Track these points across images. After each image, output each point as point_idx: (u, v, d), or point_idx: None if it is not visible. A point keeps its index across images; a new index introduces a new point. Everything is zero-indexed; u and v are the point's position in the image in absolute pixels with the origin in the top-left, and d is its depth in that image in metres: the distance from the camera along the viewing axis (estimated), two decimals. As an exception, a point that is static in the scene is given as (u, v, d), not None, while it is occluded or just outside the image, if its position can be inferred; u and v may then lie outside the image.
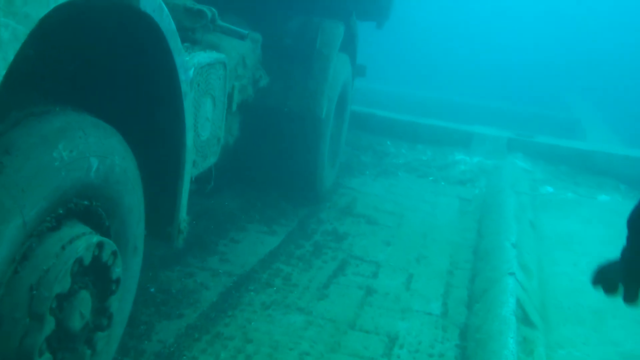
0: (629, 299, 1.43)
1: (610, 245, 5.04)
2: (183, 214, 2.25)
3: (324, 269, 3.96)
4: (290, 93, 4.40)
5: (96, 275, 1.72)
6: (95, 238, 1.66)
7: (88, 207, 1.72)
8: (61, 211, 1.58)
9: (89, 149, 1.65)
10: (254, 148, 4.58)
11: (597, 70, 14.51)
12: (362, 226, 4.91)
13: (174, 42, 2.06)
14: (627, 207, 6.11)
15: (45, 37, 1.53)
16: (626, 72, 14.24)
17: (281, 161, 4.76)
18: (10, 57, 1.18)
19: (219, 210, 4.50)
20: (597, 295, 3.83)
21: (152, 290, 3.00)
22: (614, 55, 15.28)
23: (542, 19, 17.34)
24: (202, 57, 2.60)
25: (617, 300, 1.52)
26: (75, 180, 1.60)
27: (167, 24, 1.98)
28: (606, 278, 1.50)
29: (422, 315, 3.45)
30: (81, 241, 1.59)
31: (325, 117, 4.60)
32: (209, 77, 2.64)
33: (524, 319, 3.24)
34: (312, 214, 4.95)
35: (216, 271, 3.56)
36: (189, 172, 2.27)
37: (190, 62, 2.43)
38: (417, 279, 4.04)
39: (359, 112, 7.36)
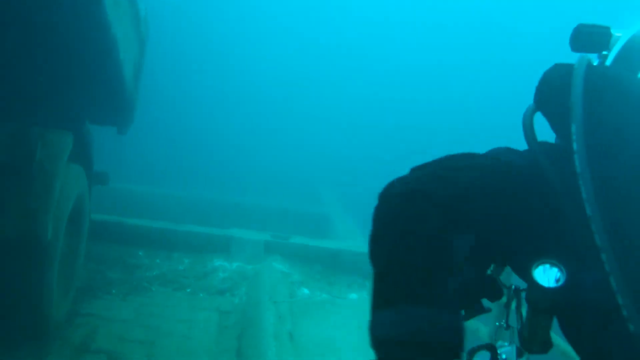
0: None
1: (362, 350, 5.17)
2: None
3: None
4: (6, 215, 3.60)
5: None
6: None
7: None
8: None
9: None
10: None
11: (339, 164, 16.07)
12: (102, 366, 4.15)
13: None
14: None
15: None
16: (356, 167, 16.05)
17: (-7, 295, 3.82)
18: None
19: None
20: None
21: None
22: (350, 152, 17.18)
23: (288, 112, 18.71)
24: None
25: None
26: None
27: None
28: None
29: None
30: None
31: (52, 239, 3.87)
32: None
33: None
34: (36, 358, 4.02)
35: None
36: None
37: None
38: None
39: (106, 222, 6.61)
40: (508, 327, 1.32)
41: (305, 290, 6.53)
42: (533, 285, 1.13)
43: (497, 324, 1.35)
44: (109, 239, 6.56)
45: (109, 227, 6.61)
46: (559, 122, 1.24)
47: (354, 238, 8.87)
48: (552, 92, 1.28)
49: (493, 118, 16.98)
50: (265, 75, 19.05)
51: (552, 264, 1.13)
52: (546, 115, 1.31)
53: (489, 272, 1.35)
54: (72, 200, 4.24)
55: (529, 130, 1.28)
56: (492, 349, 1.26)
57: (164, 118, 14.32)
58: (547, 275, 1.12)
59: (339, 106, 18.88)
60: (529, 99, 1.37)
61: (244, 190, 12.12)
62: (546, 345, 1.23)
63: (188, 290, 6.14)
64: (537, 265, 1.13)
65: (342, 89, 19.40)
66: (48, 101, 3.89)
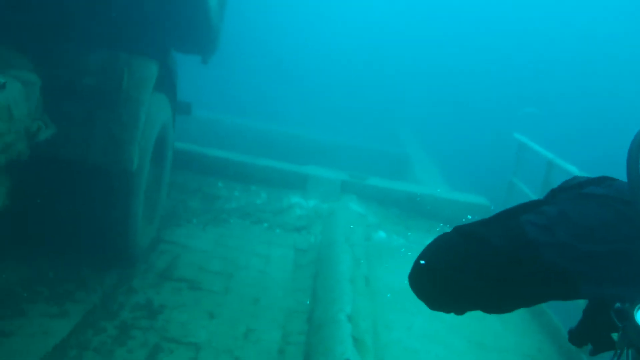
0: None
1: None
2: None
3: (128, 364, 3.23)
4: (93, 143, 3.61)
5: None
6: None
7: None
8: None
9: None
10: (47, 206, 3.70)
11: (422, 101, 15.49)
12: (183, 294, 4.24)
13: None
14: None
15: None
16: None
17: (83, 221, 3.92)
18: None
19: (-11, 289, 3.52)
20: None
21: None
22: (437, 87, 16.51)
23: (370, 51, 18.20)
24: None
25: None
26: None
27: None
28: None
29: None
30: None
31: (137, 169, 3.88)
32: None
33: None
34: (122, 281, 4.16)
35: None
36: None
37: None
38: (243, 363, 3.50)
39: (188, 151, 6.68)
40: None
41: (382, 234, 6.38)
42: (633, 327, 1.03)
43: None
44: (189, 169, 6.65)
45: (190, 156, 6.68)
46: None
47: (434, 181, 8.55)
48: None
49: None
50: (349, 18, 18.45)
51: None
52: None
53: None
54: (156, 131, 4.21)
55: (633, 162, 1.09)
56: None
57: (249, 49, 14.20)
58: None
59: (426, 45, 18.02)
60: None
61: (323, 127, 11.95)
62: None
63: (265, 224, 6.16)
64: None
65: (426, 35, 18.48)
66: (135, 28, 3.79)
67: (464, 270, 1.16)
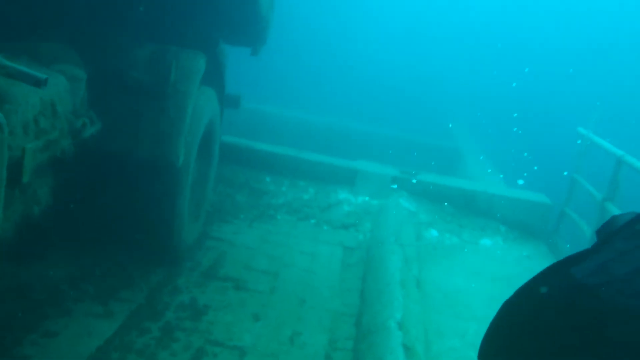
0: None
1: (496, 304, 4.70)
2: None
3: (171, 367, 3.13)
4: (140, 137, 3.53)
5: None
6: None
7: None
8: None
9: None
10: (92, 202, 3.65)
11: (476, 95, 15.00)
12: (228, 294, 4.13)
13: None
14: (508, 252, 5.71)
15: None
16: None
17: (128, 216, 3.86)
18: None
19: (36, 285, 3.49)
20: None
21: None
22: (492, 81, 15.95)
23: (423, 42, 17.78)
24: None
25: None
26: None
27: None
28: None
29: None
30: None
31: (183, 164, 3.78)
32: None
33: None
34: (167, 280, 4.08)
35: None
36: None
37: None
38: (288, 370, 3.35)
39: (235, 145, 6.58)
40: None
41: (434, 232, 6.11)
42: None
43: None
44: (237, 162, 6.55)
45: (237, 150, 6.58)
46: None
47: (488, 177, 8.18)
48: None
49: None
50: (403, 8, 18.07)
51: None
52: None
53: None
54: (203, 125, 4.10)
55: None
56: None
57: (299, 41, 14.07)
58: None
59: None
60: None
61: (371, 119, 11.67)
62: None
63: (312, 221, 5.99)
64: None
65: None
66: (183, 20, 3.67)
67: (521, 339, 1.04)
